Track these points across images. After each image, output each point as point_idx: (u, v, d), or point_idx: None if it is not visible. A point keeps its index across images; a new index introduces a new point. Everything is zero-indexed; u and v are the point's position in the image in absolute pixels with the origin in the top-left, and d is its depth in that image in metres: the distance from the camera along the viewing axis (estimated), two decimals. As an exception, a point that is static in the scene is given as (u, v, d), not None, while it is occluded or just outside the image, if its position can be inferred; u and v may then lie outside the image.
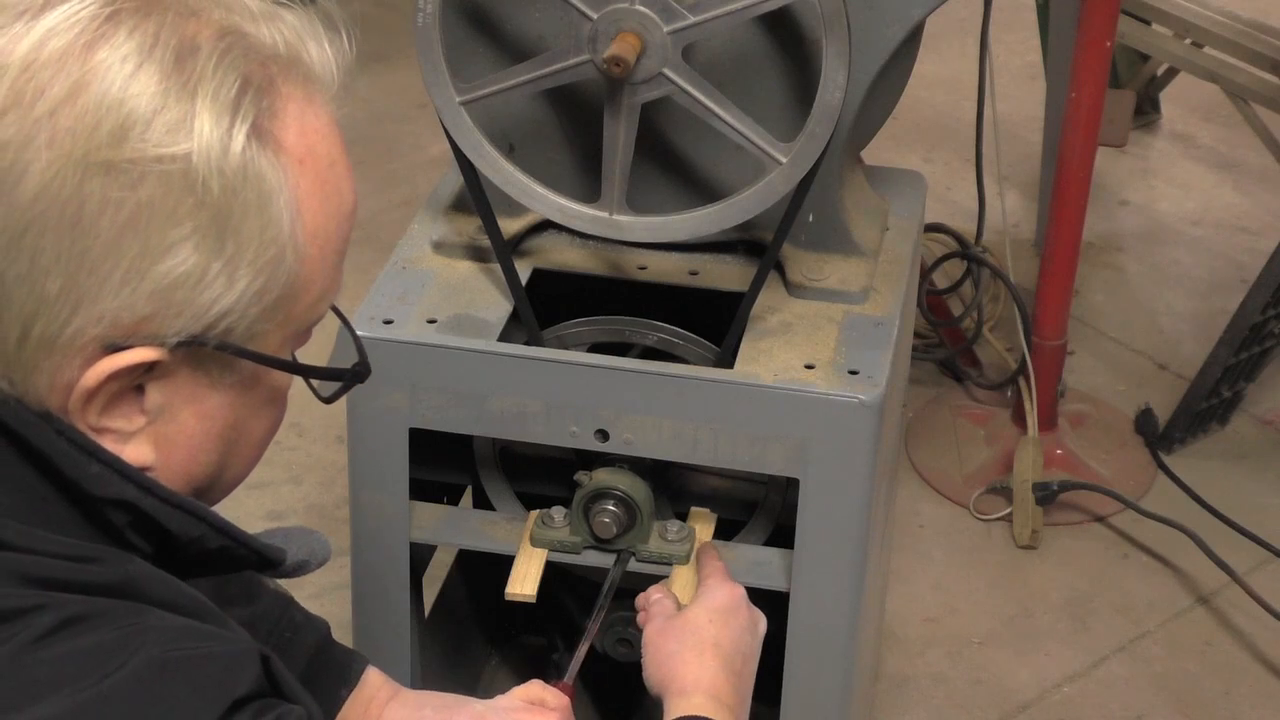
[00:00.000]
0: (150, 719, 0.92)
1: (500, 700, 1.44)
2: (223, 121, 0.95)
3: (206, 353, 0.99)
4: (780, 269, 1.72)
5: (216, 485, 1.07)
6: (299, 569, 1.21)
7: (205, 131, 0.94)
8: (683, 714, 1.38)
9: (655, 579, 1.67)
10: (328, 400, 1.15)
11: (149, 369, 0.97)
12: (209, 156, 0.94)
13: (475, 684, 2.20)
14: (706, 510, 1.72)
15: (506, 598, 1.65)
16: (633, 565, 1.68)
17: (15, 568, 0.94)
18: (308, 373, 1.07)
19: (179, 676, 0.94)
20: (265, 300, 0.99)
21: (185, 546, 1.03)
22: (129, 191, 0.93)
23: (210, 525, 1.03)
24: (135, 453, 1.00)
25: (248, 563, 1.09)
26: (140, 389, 0.98)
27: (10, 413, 0.97)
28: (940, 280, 2.89)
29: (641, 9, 1.50)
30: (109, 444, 0.99)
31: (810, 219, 1.71)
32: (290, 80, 1.00)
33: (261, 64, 0.99)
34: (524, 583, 1.66)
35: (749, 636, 1.48)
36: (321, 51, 1.03)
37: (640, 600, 1.57)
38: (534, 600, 1.65)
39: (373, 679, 1.48)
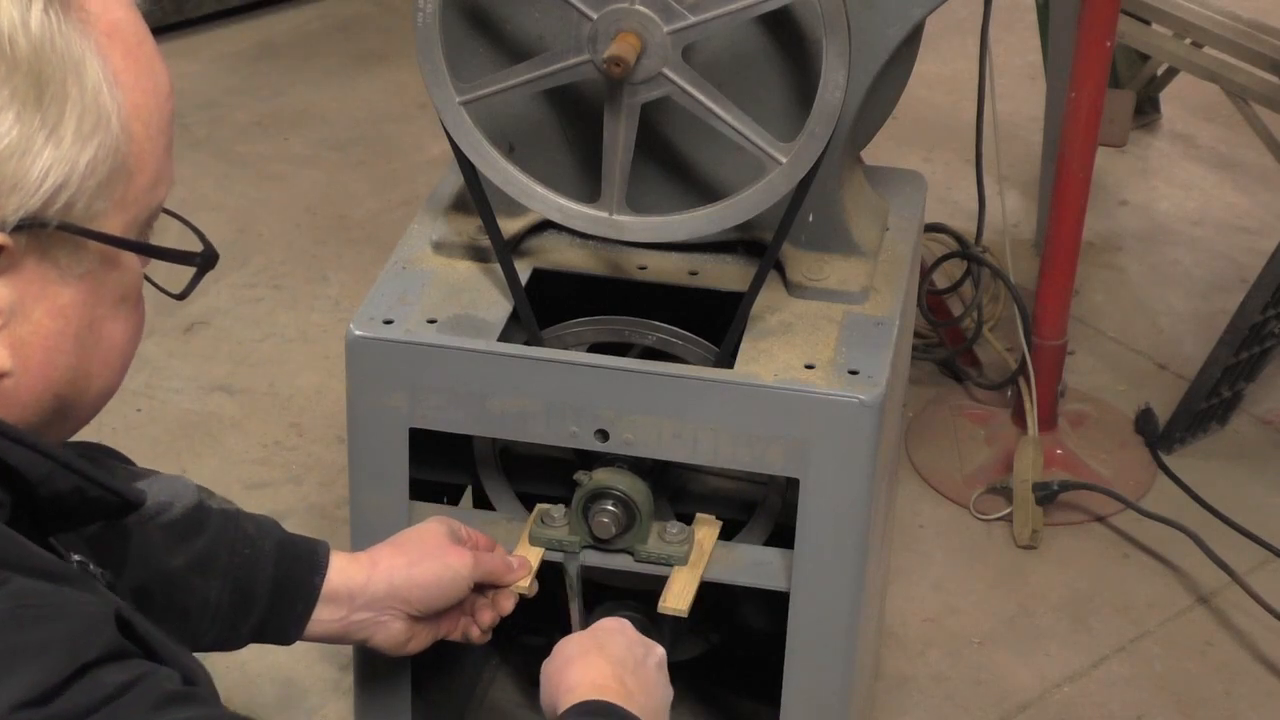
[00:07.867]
0: None
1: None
2: None
3: (50, 235, 0.99)
4: (780, 269, 1.72)
5: (82, 398, 1.07)
6: (161, 511, 1.21)
7: (4, 2, 0.95)
8: (570, 704, 1.32)
9: (655, 579, 1.67)
10: (179, 296, 1.13)
11: None
12: (12, 21, 0.95)
13: (475, 685, 2.20)
14: (711, 516, 1.71)
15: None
16: (633, 565, 1.68)
17: None
18: (154, 252, 1.06)
19: (24, 633, 0.93)
20: (99, 173, 0.99)
21: (37, 488, 1.02)
22: None
23: (57, 462, 1.02)
24: None
25: (106, 506, 1.08)
26: None
27: None
28: (940, 280, 2.89)
29: (641, 9, 1.50)
30: None
31: (810, 219, 1.71)
32: None
33: None
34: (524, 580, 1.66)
35: (640, 649, 1.42)
36: None
37: None
38: (532, 593, 1.65)
39: (336, 561, 1.53)
